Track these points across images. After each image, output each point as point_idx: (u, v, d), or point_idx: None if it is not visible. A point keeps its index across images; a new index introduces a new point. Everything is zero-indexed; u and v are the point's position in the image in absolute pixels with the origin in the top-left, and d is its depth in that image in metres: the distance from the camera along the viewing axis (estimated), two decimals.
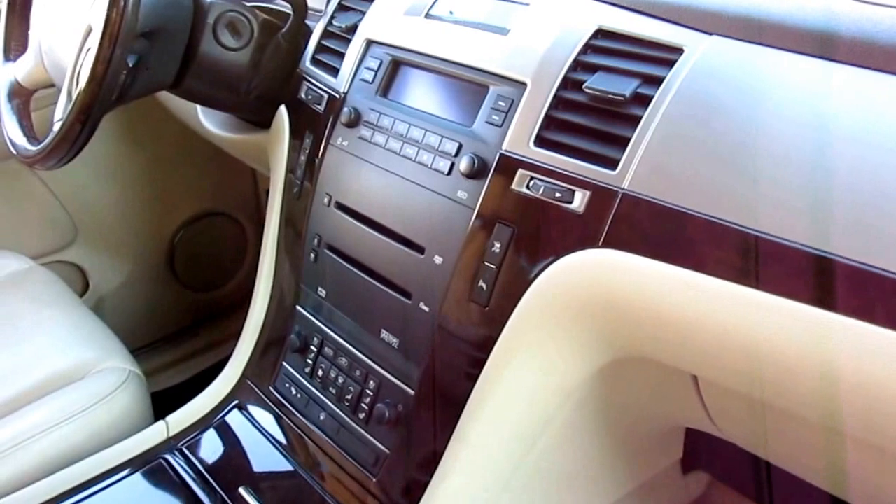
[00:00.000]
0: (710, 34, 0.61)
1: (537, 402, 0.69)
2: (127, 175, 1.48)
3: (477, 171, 0.68)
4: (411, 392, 0.75)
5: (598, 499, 0.88)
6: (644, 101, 0.60)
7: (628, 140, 0.60)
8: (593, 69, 0.64)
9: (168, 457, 0.88)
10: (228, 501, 0.81)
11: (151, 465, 0.87)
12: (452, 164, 0.71)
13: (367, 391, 0.79)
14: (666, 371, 0.67)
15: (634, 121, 0.60)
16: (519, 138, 0.67)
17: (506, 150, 0.67)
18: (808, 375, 0.52)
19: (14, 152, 0.87)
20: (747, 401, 0.65)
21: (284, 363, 0.90)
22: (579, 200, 0.61)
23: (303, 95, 0.89)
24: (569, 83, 0.65)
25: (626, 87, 0.61)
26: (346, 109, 0.81)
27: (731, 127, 0.56)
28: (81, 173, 1.41)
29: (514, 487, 0.75)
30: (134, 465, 0.87)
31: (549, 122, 0.65)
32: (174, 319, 1.64)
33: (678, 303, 0.56)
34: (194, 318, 1.66)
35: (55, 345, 1.04)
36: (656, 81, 0.60)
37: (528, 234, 0.65)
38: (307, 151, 0.87)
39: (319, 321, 0.86)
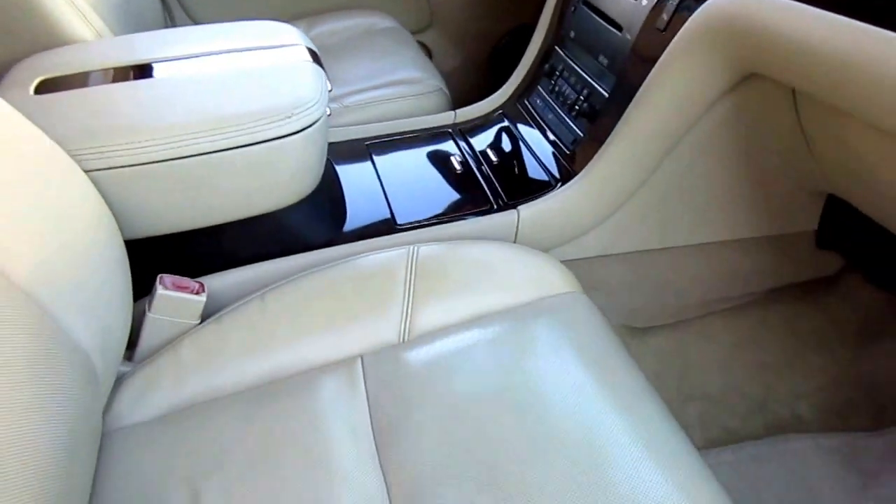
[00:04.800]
0: None
1: (684, 105, 1.01)
2: None
3: None
4: (606, 94, 1.11)
5: (728, 229, 1.18)
6: None
7: None
8: None
9: (450, 130, 1.34)
10: (479, 155, 1.25)
11: (439, 132, 1.34)
12: None
13: (581, 97, 1.17)
14: (780, 101, 0.95)
15: None
16: None
17: None
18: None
19: None
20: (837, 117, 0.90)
21: (539, 86, 1.30)
22: None
23: None
24: None
25: None
26: None
27: None
28: None
29: (653, 181, 1.09)
30: (428, 132, 1.35)
31: None
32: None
33: (791, 26, 0.85)
34: None
35: (408, 66, 1.55)
36: None
37: None
38: None
39: (566, 55, 1.25)
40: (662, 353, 1.28)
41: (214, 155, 0.90)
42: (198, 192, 0.92)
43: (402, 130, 1.33)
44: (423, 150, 1.28)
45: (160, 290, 0.91)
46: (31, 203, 0.74)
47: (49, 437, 0.64)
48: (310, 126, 0.94)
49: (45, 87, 0.99)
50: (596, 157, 1.08)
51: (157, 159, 0.88)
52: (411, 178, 1.20)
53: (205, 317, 0.95)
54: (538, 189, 1.13)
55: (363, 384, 0.83)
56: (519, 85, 1.37)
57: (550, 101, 1.25)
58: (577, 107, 1.17)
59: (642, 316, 1.25)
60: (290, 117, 0.91)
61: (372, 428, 0.78)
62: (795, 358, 1.30)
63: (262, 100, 0.92)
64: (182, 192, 0.91)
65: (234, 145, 0.90)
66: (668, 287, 1.22)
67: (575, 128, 1.16)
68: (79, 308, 0.76)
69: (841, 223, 1.19)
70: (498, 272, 0.95)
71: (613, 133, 1.06)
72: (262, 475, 0.74)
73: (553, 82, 1.25)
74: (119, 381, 0.88)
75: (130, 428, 0.83)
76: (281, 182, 0.95)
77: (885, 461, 1.22)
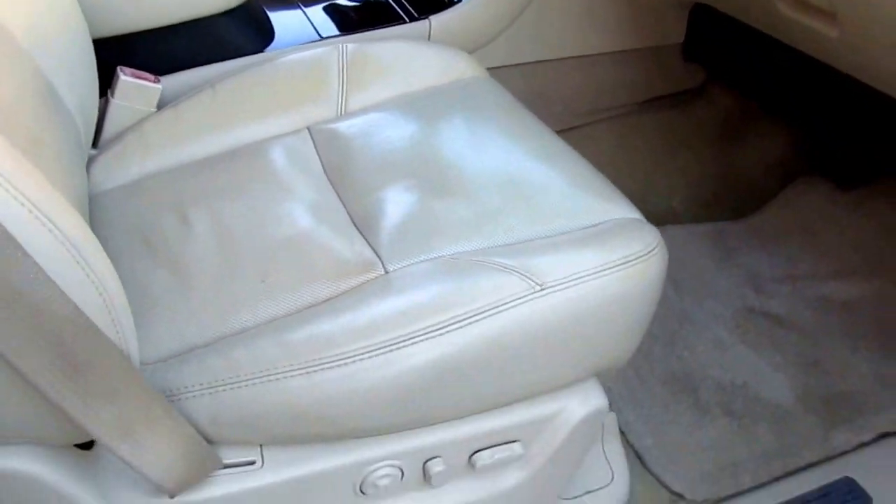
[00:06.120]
0: None
1: None
2: None
3: None
4: None
5: (606, 41, 1.38)
6: None
7: None
8: None
9: None
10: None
11: None
12: None
13: None
14: None
15: None
16: None
17: None
18: None
19: None
20: None
21: None
22: None
23: None
24: None
25: None
26: None
27: None
28: None
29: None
30: None
31: None
32: None
33: None
34: None
35: None
36: None
37: None
38: None
39: None
40: None
41: None
42: None
43: None
44: None
45: (122, 77, 1.03)
46: None
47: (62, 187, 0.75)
48: None
49: None
50: None
51: None
52: (329, 11, 1.34)
53: (160, 107, 1.07)
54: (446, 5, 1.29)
55: (312, 143, 0.99)
56: None
57: None
58: None
59: None
60: None
61: (322, 167, 0.94)
62: (668, 158, 1.53)
63: None
64: None
65: None
66: (557, 97, 1.42)
67: None
68: (62, 74, 0.87)
69: (704, 37, 1.41)
70: (417, 62, 1.12)
71: None
72: (236, 201, 0.89)
73: None
74: (91, 159, 1.00)
75: (111, 190, 0.96)
76: None
77: (743, 240, 1.48)
